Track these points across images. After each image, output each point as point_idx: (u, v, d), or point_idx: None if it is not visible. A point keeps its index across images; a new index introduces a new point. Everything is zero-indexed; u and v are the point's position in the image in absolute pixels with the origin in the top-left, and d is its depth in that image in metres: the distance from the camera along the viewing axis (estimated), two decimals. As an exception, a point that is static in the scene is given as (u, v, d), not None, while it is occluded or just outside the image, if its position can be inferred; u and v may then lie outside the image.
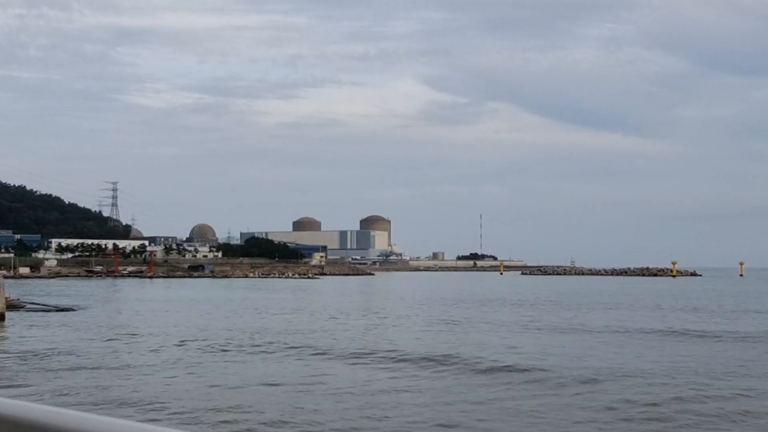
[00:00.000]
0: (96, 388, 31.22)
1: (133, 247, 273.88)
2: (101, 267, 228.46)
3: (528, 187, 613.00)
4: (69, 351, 42.98)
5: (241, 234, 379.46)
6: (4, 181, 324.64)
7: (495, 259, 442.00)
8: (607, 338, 52.87)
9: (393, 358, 40.93)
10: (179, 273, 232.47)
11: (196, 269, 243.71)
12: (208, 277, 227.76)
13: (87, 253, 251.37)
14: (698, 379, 33.76)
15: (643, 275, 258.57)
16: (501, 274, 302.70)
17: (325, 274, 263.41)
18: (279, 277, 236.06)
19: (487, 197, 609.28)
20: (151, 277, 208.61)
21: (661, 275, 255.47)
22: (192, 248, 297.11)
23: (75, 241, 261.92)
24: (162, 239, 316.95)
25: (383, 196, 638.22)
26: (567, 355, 42.25)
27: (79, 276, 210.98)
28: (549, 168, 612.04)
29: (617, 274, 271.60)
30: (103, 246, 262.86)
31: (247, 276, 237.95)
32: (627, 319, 70.77)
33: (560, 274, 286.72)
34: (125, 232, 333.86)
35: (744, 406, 27.95)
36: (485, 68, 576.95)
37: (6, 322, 60.43)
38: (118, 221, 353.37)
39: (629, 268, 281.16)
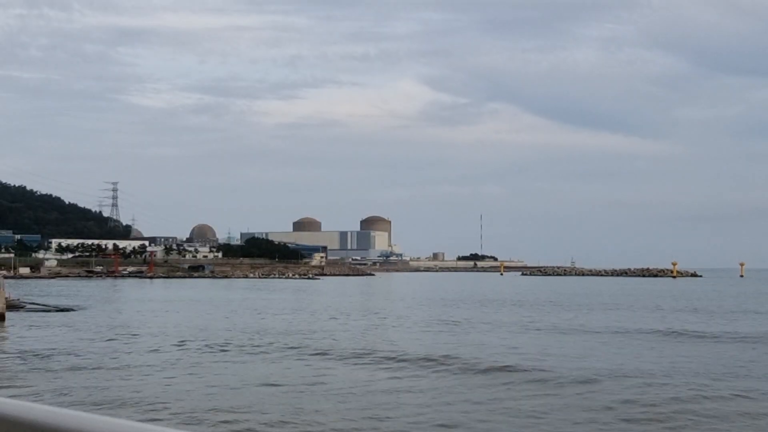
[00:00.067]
0: (96, 388, 31.23)
1: (134, 248, 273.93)
2: (101, 267, 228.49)
3: (528, 188, 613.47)
4: (69, 351, 42.98)
5: (241, 234, 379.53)
6: (4, 181, 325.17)
7: (495, 259, 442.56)
8: (607, 339, 52.91)
9: (393, 358, 40.92)
10: (179, 273, 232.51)
11: (196, 269, 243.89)
12: (208, 277, 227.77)
13: (87, 254, 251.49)
14: (698, 379, 33.80)
15: (643, 276, 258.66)
16: (501, 274, 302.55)
17: (325, 275, 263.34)
18: (279, 278, 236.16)
19: (488, 198, 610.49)
20: (151, 278, 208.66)
21: (661, 276, 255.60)
22: (192, 248, 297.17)
23: (75, 242, 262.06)
24: (162, 239, 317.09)
25: (383, 196, 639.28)
26: (567, 356, 42.27)
27: (79, 276, 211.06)
28: (549, 168, 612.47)
29: (617, 275, 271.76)
30: (103, 246, 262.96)
31: (247, 276, 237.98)
32: (627, 319, 70.82)
33: (560, 275, 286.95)
34: (125, 232, 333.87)
35: (743, 406, 27.97)
36: (485, 69, 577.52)
37: (6, 323, 60.45)
38: (118, 221, 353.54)
39: (629, 269, 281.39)
